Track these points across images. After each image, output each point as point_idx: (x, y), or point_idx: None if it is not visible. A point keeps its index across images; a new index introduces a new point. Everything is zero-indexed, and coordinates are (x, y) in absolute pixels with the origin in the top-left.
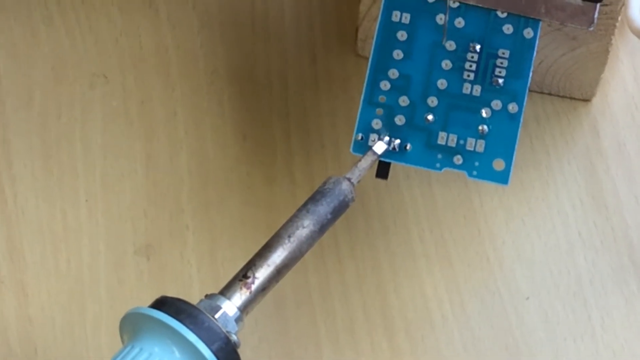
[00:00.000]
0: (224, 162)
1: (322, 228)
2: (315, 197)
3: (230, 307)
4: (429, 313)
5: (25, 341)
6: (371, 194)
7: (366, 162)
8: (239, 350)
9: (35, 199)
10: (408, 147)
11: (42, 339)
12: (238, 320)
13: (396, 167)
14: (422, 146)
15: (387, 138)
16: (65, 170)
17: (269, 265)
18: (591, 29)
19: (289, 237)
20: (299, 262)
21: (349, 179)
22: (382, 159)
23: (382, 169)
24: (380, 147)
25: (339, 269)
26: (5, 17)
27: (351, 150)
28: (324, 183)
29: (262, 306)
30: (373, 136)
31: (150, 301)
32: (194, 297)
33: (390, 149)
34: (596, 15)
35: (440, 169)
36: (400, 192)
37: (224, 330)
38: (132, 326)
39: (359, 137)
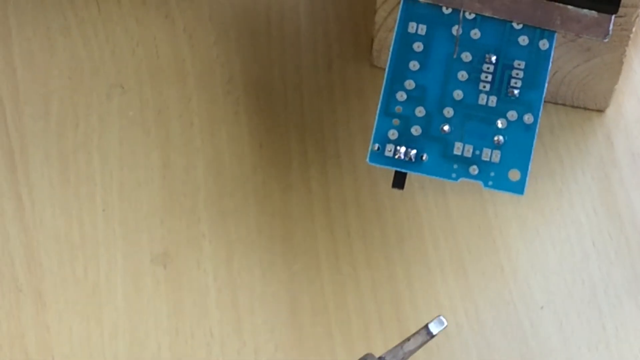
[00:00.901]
0: (240, 171)
1: None
2: None
3: None
4: None
5: (43, 349)
6: (387, 203)
7: (415, 344)
8: None
9: (53, 208)
10: (424, 158)
11: (59, 347)
12: None
13: (411, 177)
14: (438, 156)
15: (443, 321)
16: (82, 180)
17: None
18: (606, 40)
19: None
20: (314, 272)
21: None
22: (398, 169)
23: (399, 179)
24: (436, 326)
25: (354, 278)
26: (23, 28)
27: (368, 160)
28: None
29: (278, 315)
30: (389, 146)
31: (166, 310)
32: (210, 305)
33: (407, 159)
34: (611, 26)
35: (456, 179)
36: (415, 202)
37: None
38: None
39: (376, 148)
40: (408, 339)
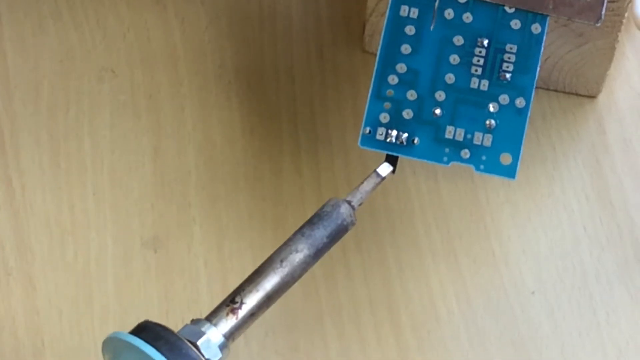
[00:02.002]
0: (232, 156)
1: (318, 253)
2: (312, 220)
3: (214, 333)
4: (435, 308)
5: (33, 333)
6: (378, 188)
7: (369, 185)
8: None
9: (43, 193)
10: (416, 141)
11: (49, 331)
12: (222, 347)
13: (403, 162)
14: (429, 140)
15: (389, 166)
16: (73, 164)
17: (258, 291)
18: (598, 25)
19: (282, 261)
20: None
21: (349, 202)
22: (390, 153)
23: (390, 163)
24: (385, 169)
25: (345, 263)
26: (14, 12)
27: (359, 144)
28: (324, 205)
29: None
30: (381, 130)
31: (157, 294)
32: (201, 289)
33: (398, 143)
34: (603, 11)
35: (447, 162)
36: (407, 187)
37: (202, 358)
38: (112, 350)
39: (367, 131)
40: (362, 182)
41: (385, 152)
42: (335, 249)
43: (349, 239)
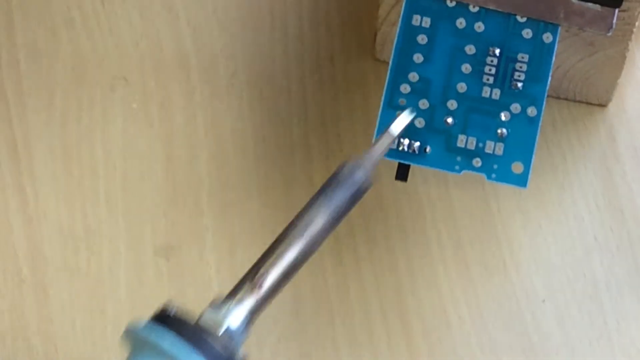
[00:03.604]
0: (243, 164)
1: (337, 220)
2: (329, 187)
3: (237, 315)
4: (446, 315)
5: (46, 341)
6: (389, 196)
7: (383, 145)
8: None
9: (56, 200)
10: (427, 150)
11: (62, 339)
12: (246, 327)
13: (414, 170)
14: (441, 149)
15: (401, 123)
16: (85, 172)
17: (281, 264)
18: (609, 34)
19: (302, 232)
20: (317, 264)
21: (364, 165)
22: (402, 161)
23: (402, 171)
24: (397, 126)
25: (356, 271)
26: (27, 20)
27: None
28: (338, 170)
29: (281, 306)
30: None
31: None
32: (212, 298)
33: (410, 151)
34: (614, 20)
35: (459, 171)
36: (418, 195)
37: (228, 352)
38: (132, 340)
39: None
40: (376, 142)
41: (397, 161)
42: (347, 257)
43: (361, 246)
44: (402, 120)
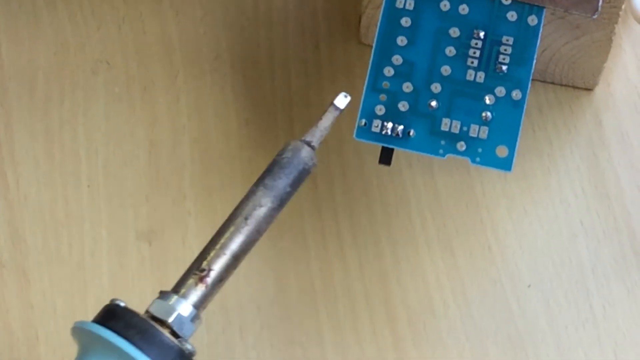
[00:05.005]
0: (227, 148)
1: (282, 203)
2: (272, 170)
3: (185, 306)
4: (430, 301)
5: (27, 326)
6: (374, 181)
7: (328, 121)
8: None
9: (38, 184)
10: (411, 134)
11: (43, 325)
12: (194, 319)
13: (399, 155)
14: (425, 132)
15: (345, 96)
16: (67, 156)
17: (225, 254)
18: (595, 17)
19: (246, 218)
20: (300, 250)
21: (308, 143)
22: (385, 145)
23: (385, 155)
24: (342, 100)
25: (341, 256)
26: (8, 3)
27: (354, 136)
28: (282, 150)
29: (264, 293)
30: (376, 122)
31: (151, 287)
32: None
33: (394, 135)
34: (600, 3)
35: (443, 155)
36: (403, 180)
37: (177, 343)
38: (82, 338)
39: (363, 123)
40: (320, 119)
41: (381, 144)
42: (331, 242)
43: (345, 232)
44: (345, 95)
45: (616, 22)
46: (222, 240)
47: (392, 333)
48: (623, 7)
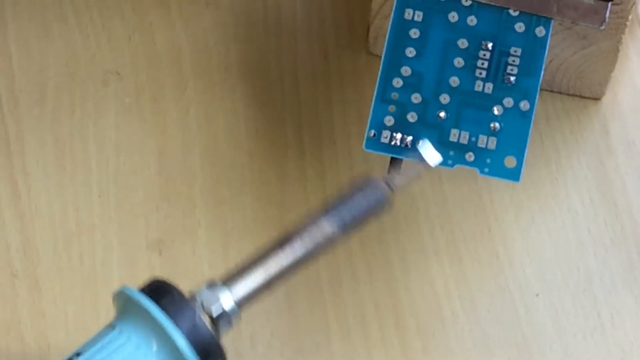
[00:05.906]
0: (236, 159)
1: (345, 234)
2: (347, 200)
3: (228, 300)
4: (439, 309)
5: (39, 335)
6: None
7: (415, 173)
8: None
9: (48, 195)
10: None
11: (55, 334)
12: (235, 314)
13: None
14: (434, 143)
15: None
16: (78, 166)
17: (281, 262)
18: (602, 27)
19: (308, 237)
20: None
21: (389, 184)
22: (394, 156)
23: (394, 166)
24: (433, 156)
25: (350, 265)
26: (19, 15)
27: (364, 147)
28: (365, 186)
29: (274, 301)
30: (385, 133)
31: None
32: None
33: (403, 145)
34: (607, 14)
35: (452, 165)
36: (411, 189)
37: (211, 330)
38: (122, 302)
39: (372, 134)
40: (405, 171)
41: (390, 155)
42: (340, 250)
43: (354, 240)
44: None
45: (623, 33)
46: (281, 251)
47: (400, 341)
48: (630, 17)
